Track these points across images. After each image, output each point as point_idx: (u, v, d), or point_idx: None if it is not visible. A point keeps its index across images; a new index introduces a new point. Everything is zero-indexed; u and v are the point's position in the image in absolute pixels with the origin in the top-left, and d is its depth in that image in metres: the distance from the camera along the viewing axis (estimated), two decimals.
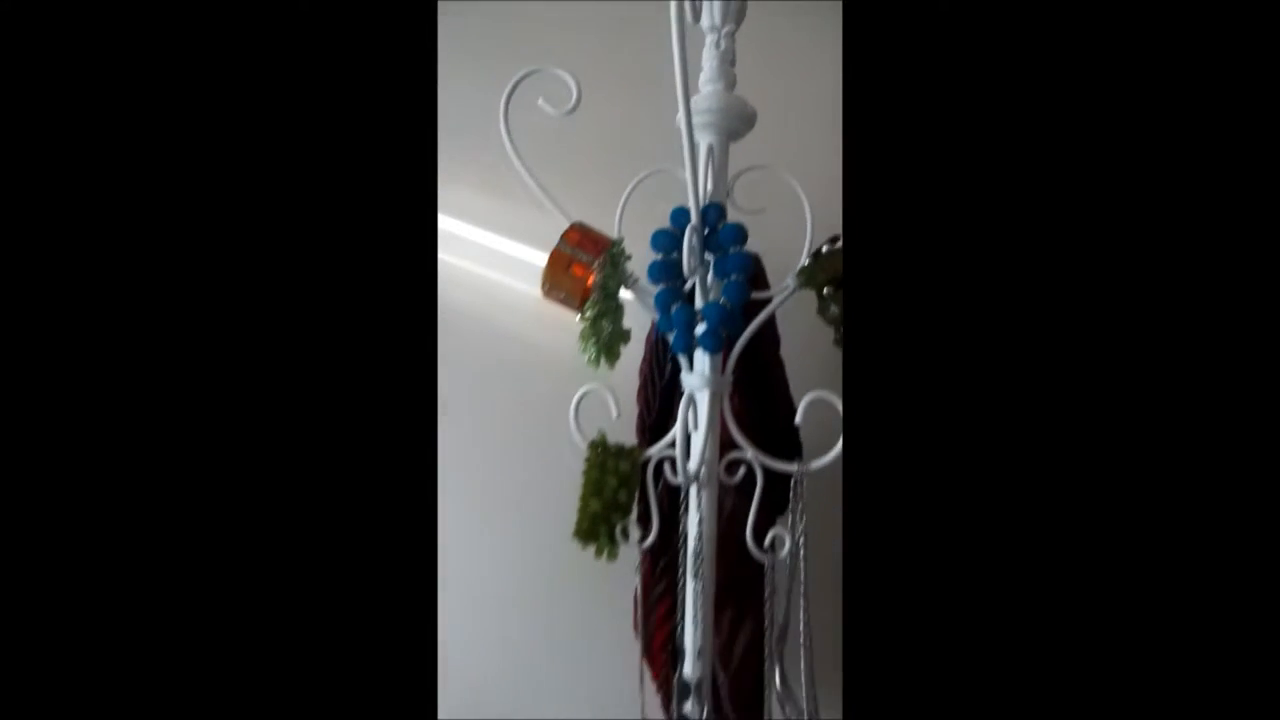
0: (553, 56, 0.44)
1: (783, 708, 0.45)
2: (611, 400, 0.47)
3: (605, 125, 0.61)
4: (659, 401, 0.52)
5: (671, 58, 0.31)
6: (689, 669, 0.43)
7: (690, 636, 0.43)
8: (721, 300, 0.39)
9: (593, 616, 0.66)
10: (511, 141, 0.44)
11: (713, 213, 0.39)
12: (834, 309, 0.42)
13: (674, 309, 0.39)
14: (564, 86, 0.42)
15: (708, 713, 0.42)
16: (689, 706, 0.42)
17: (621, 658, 0.57)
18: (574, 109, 0.42)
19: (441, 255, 0.70)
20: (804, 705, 0.43)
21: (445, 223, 0.71)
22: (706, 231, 0.39)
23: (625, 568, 0.55)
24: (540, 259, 0.45)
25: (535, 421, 0.66)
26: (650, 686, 0.52)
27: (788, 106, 0.55)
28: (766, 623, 0.46)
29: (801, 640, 0.44)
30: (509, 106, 0.44)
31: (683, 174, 0.37)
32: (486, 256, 0.71)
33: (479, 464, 0.69)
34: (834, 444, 0.43)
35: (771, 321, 0.50)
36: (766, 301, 0.45)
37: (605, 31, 0.70)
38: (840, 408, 0.41)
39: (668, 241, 0.40)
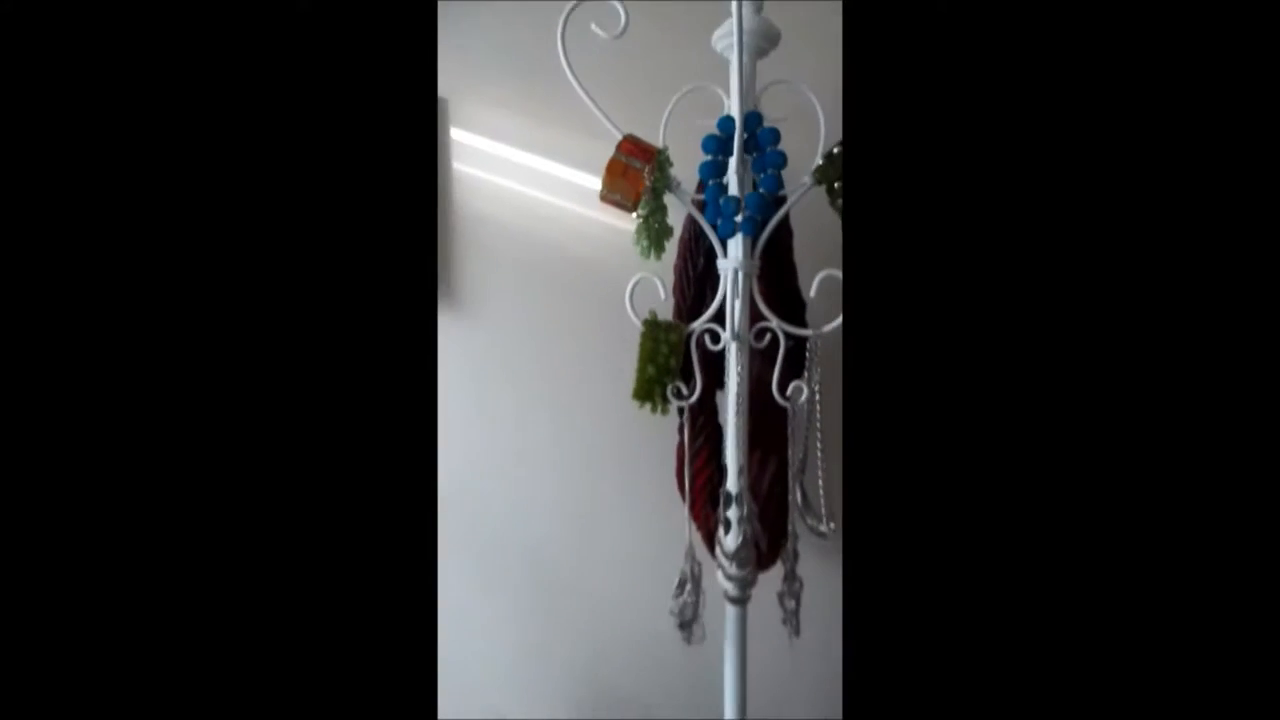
0: None
1: (804, 519, 0.58)
2: (659, 284, 0.57)
3: (644, 48, 0.68)
4: (693, 289, 0.62)
5: None
6: (731, 484, 0.55)
7: (732, 459, 0.55)
8: (760, 191, 0.48)
9: (637, 477, 0.79)
10: (570, 67, 0.52)
11: (753, 119, 0.48)
12: (841, 201, 0.52)
13: (721, 200, 0.49)
14: (611, 13, 0.50)
15: (747, 522, 0.55)
16: (732, 511, 0.55)
17: (662, 512, 0.71)
18: (622, 33, 0.50)
19: (497, 178, 0.78)
20: (822, 513, 0.56)
21: (497, 148, 0.78)
22: (746, 136, 0.48)
23: (664, 436, 0.67)
24: (578, 177, 0.54)
25: (582, 312, 0.76)
26: (695, 530, 0.65)
27: (807, 27, 0.63)
28: (790, 455, 0.58)
29: (820, 465, 0.56)
30: (565, 35, 0.52)
31: (716, 89, 0.46)
32: (534, 178, 0.79)
33: (530, 353, 0.80)
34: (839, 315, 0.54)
35: (785, 220, 0.59)
36: (783, 200, 0.55)
37: None
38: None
39: (715, 145, 0.49)
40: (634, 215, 0.55)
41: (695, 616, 0.61)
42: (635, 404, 0.58)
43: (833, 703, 0.82)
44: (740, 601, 0.57)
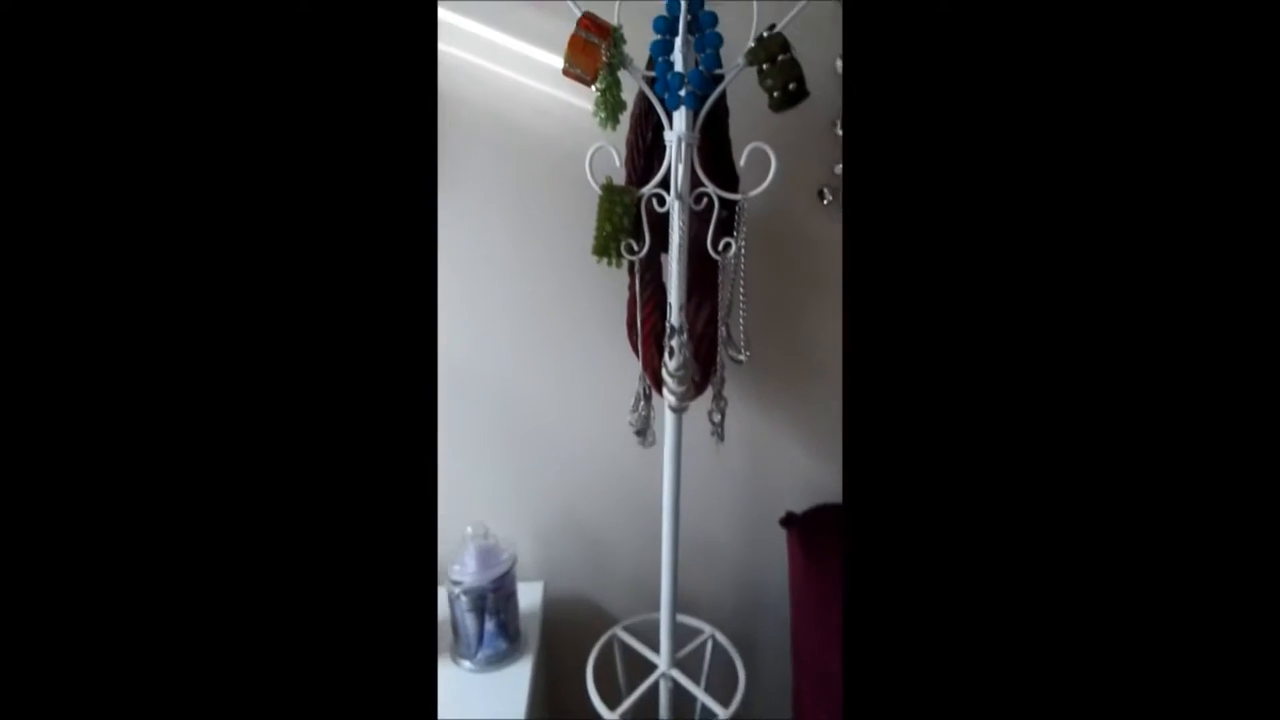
0: None
1: (726, 349, 0.73)
2: (614, 153, 0.67)
3: None
4: (643, 159, 0.72)
5: None
6: (674, 319, 0.69)
7: (674, 297, 0.69)
8: (701, 68, 0.58)
9: (594, 327, 0.92)
10: None
11: (696, 3, 0.57)
12: (769, 81, 0.62)
13: (669, 76, 0.58)
14: None
15: (685, 348, 0.69)
16: (676, 341, 0.69)
17: (614, 357, 0.84)
18: None
19: (462, 53, 0.82)
20: (740, 345, 0.71)
21: (469, 24, 0.82)
22: (690, 18, 0.57)
23: (614, 290, 0.79)
24: (543, 56, 0.61)
25: (548, 181, 0.86)
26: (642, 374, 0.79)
27: None
28: (719, 299, 0.72)
29: (741, 308, 0.71)
30: None
31: None
32: (498, 54, 0.84)
33: (501, 219, 0.88)
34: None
35: (723, 99, 0.69)
36: (721, 79, 0.64)
37: None
38: (773, 157, 0.63)
39: (663, 25, 0.58)
40: (593, 88, 0.63)
41: (647, 426, 0.76)
42: (594, 260, 0.69)
43: (750, 493, 1.04)
44: (680, 410, 0.72)
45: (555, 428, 0.98)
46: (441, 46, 0.82)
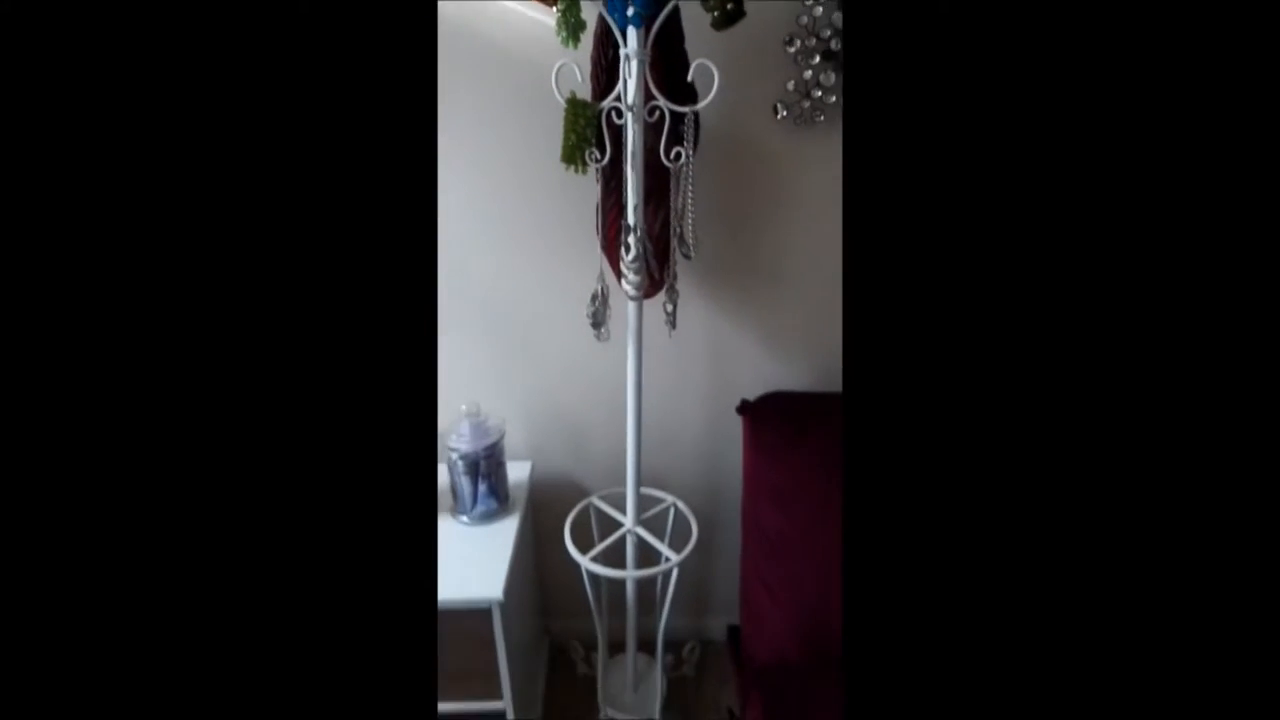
0: None
1: (680, 248, 0.85)
2: (577, 69, 0.76)
3: None
4: (605, 75, 0.81)
5: None
6: (631, 218, 0.80)
7: (631, 200, 0.79)
8: None
9: (565, 228, 1.03)
10: None
11: None
12: (709, 2, 0.70)
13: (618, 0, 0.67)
14: None
15: (641, 244, 0.81)
16: (633, 237, 0.80)
17: (585, 257, 0.96)
18: None
19: None
20: (690, 240, 0.82)
21: None
22: None
23: (587, 198, 0.89)
24: None
25: (516, 95, 0.95)
26: (609, 270, 0.90)
27: None
28: (672, 204, 0.82)
29: (690, 210, 0.81)
30: None
31: None
32: None
33: (473, 131, 0.98)
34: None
35: (677, 19, 0.77)
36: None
37: None
38: (715, 72, 0.72)
39: None
40: (553, 9, 0.72)
41: (603, 320, 0.89)
42: (562, 167, 0.79)
43: (710, 382, 1.17)
44: (637, 299, 0.85)
45: (538, 322, 1.11)
46: None
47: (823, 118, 0.97)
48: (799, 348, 1.14)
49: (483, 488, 1.02)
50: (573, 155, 0.79)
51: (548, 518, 1.24)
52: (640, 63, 0.73)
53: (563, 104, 0.77)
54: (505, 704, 0.99)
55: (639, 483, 1.02)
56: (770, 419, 1.07)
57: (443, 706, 0.98)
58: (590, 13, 0.76)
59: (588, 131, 0.77)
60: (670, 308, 0.88)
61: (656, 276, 0.87)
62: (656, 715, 1.15)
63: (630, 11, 0.68)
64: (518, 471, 1.14)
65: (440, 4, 0.91)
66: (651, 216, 0.85)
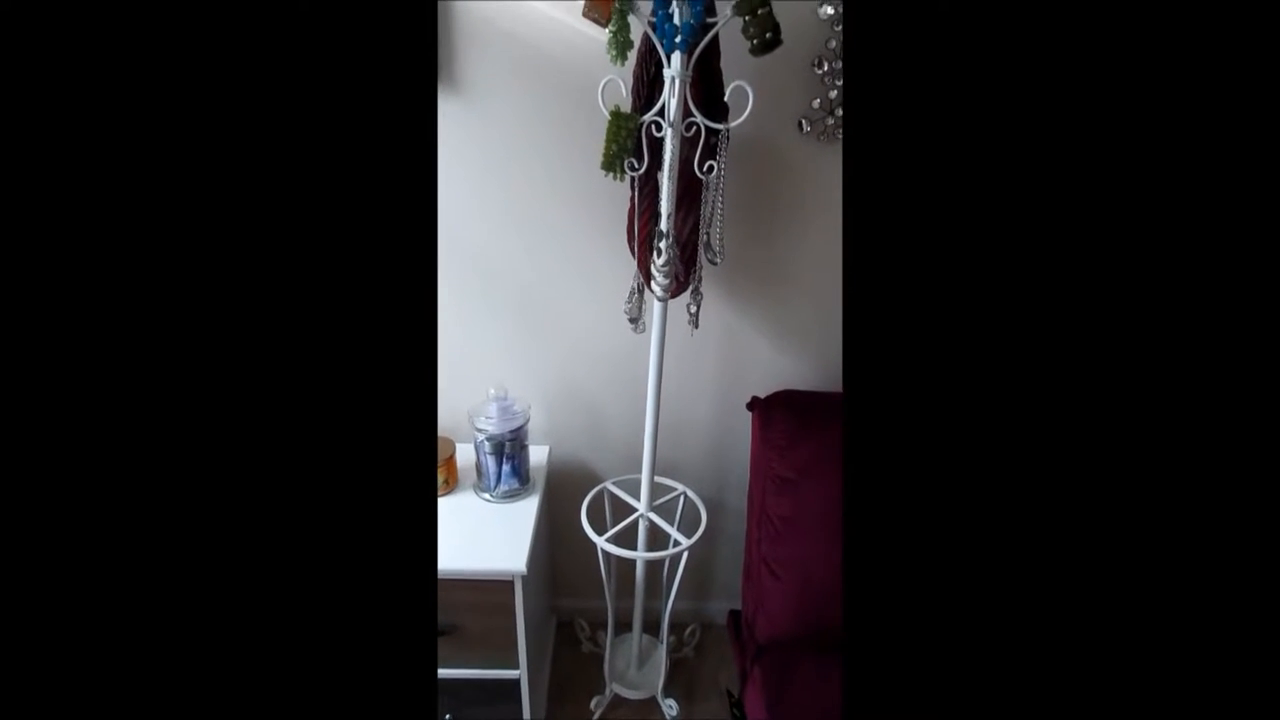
0: None
1: (706, 254, 0.91)
2: (622, 84, 0.81)
3: None
4: (646, 90, 0.86)
5: None
6: (664, 225, 0.86)
7: (665, 207, 0.86)
8: (692, 20, 0.72)
9: (594, 227, 1.09)
10: None
11: None
12: (750, 30, 0.76)
13: (666, 25, 0.73)
14: None
15: (671, 249, 0.87)
16: (664, 243, 0.86)
17: (614, 255, 1.02)
18: None
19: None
20: (716, 247, 0.88)
21: None
22: None
23: (614, 200, 0.95)
24: None
25: (562, 103, 1.01)
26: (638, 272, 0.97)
27: None
28: (702, 212, 0.88)
29: (720, 219, 0.87)
30: None
31: None
32: None
33: (519, 133, 1.04)
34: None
35: (715, 43, 0.83)
36: (712, 26, 0.78)
37: None
38: (750, 94, 0.78)
39: None
40: (606, 30, 0.78)
41: (639, 315, 0.95)
42: (602, 174, 0.85)
43: (725, 378, 1.24)
44: (664, 300, 0.91)
45: (565, 314, 1.17)
46: None
47: (843, 134, 1.03)
48: (808, 348, 1.21)
49: (506, 468, 1.09)
50: (613, 164, 0.84)
51: (562, 500, 1.30)
52: (683, 82, 0.78)
53: (606, 115, 0.83)
54: (521, 672, 1.06)
55: (654, 472, 1.08)
56: (779, 415, 1.14)
57: (461, 672, 1.05)
58: (635, 30, 0.81)
59: (628, 142, 0.83)
60: (694, 308, 0.94)
61: (683, 279, 0.93)
62: (659, 692, 1.22)
63: (678, 38, 0.74)
64: (536, 454, 1.21)
65: (502, 17, 0.96)
66: (681, 223, 0.91)
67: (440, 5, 0.95)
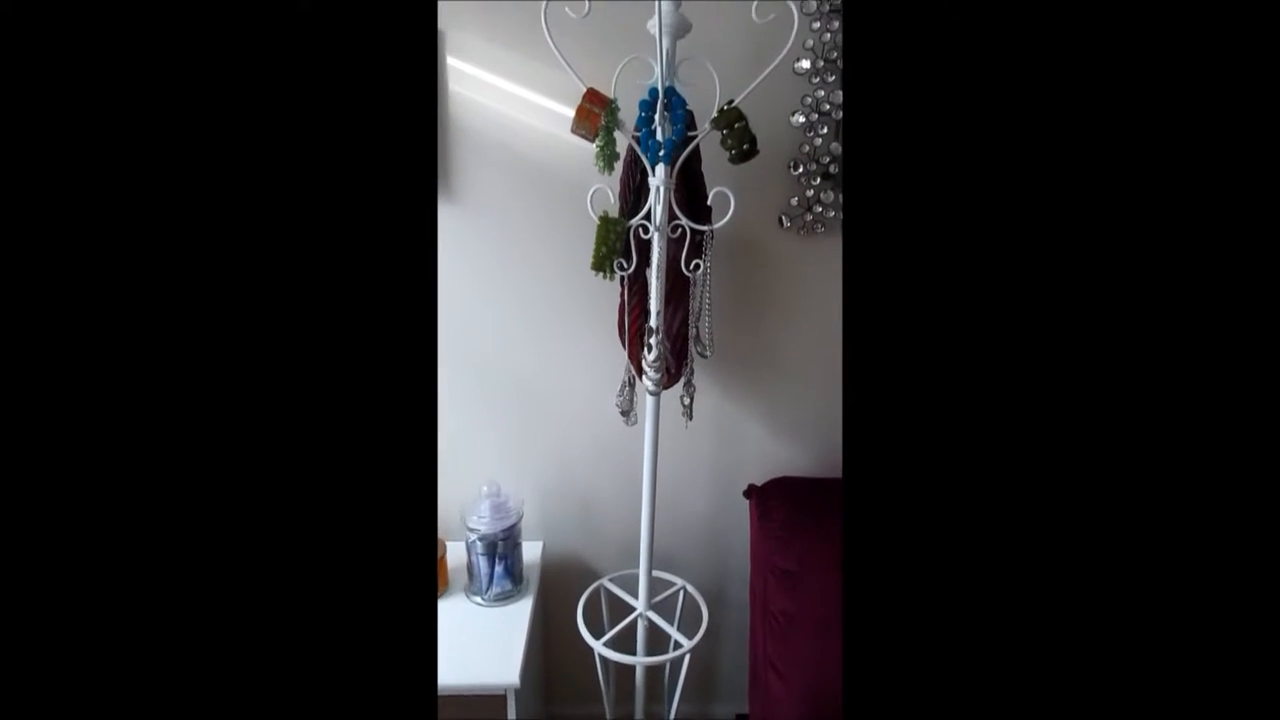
0: None
1: (694, 347, 0.92)
2: (609, 191, 0.86)
3: (604, 21, 0.92)
4: (633, 196, 0.91)
5: None
6: (653, 322, 0.88)
7: (654, 306, 0.88)
8: (673, 136, 0.77)
9: (585, 324, 1.11)
10: (551, 38, 0.77)
11: (669, 91, 0.76)
12: (729, 142, 0.81)
13: (649, 141, 0.77)
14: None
15: (661, 344, 0.88)
16: (654, 339, 0.88)
17: (605, 350, 1.03)
18: (587, 15, 0.75)
19: (486, 100, 1.02)
20: (706, 340, 0.90)
21: (487, 76, 1.01)
22: (665, 100, 0.76)
23: (603, 297, 0.98)
24: (550, 105, 0.81)
25: (552, 208, 1.05)
26: (628, 363, 0.98)
27: (716, 12, 0.89)
28: (690, 307, 0.91)
29: (707, 314, 0.90)
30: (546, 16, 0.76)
31: (648, 59, 0.72)
32: (516, 102, 1.03)
33: (512, 237, 1.08)
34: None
35: (697, 151, 0.88)
36: (693, 138, 0.83)
37: None
38: (731, 198, 0.82)
39: (645, 106, 0.77)
40: (594, 144, 0.83)
41: (631, 407, 0.95)
42: (592, 274, 0.88)
43: (719, 468, 1.22)
44: (656, 394, 0.91)
45: (557, 409, 1.17)
46: (455, 89, 1.02)
47: (822, 229, 1.08)
48: (803, 434, 1.20)
49: (499, 568, 1.05)
50: (603, 264, 0.87)
51: (556, 599, 1.25)
52: (667, 190, 0.83)
53: (595, 219, 0.87)
54: None
55: (651, 568, 1.05)
56: (776, 503, 1.12)
57: None
58: (621, 141, 0.86)
59: (617, 244, 0.87)
60: (688, 400, 0.95)
61: (674, 371, 0.94)
62: None
63: (662, 152, 0.78)
64: (530, 552, 1.17)
65: (504, 135, 1.02)
66: (670, 317, 0.93)
67: (439, 116, 1.02)
